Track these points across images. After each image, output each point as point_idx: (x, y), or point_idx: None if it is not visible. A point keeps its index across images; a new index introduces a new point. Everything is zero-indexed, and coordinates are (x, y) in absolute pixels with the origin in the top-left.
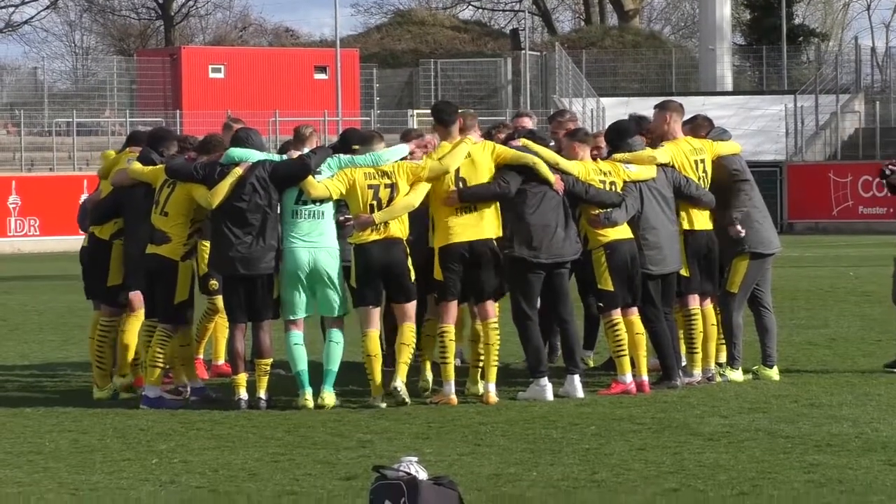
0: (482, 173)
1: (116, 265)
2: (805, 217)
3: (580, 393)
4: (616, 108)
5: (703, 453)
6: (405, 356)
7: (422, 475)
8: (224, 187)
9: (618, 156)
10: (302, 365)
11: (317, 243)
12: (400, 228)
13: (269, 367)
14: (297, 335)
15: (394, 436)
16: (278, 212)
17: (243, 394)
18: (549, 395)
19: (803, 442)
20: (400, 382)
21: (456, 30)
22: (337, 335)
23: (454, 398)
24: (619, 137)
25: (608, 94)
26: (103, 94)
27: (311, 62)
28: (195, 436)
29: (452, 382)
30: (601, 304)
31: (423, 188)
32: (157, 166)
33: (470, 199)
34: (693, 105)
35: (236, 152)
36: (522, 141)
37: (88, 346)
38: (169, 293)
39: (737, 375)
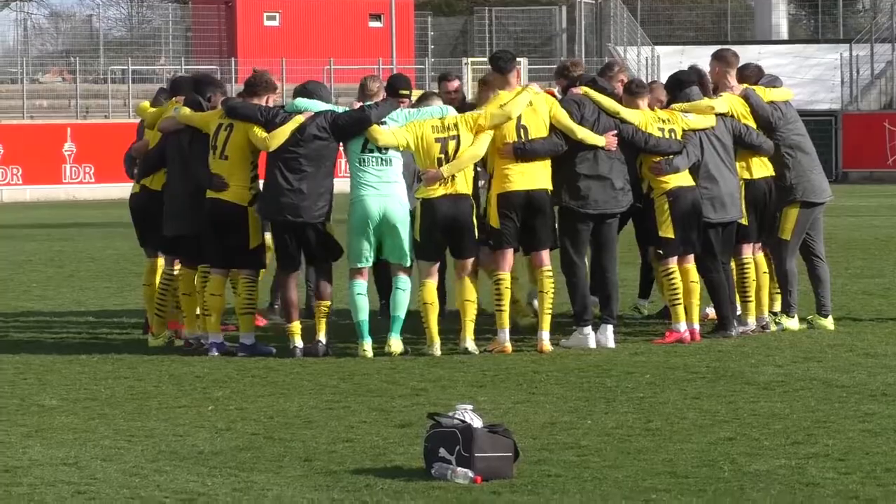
0: (542, 124)
1: None
2: (860, 166)
3: (611, 343)
4: (671, 57)
5: (757, 402)
6: (471, 313)
7: (477, 423)
8: (284, 132)
9: (676, 105)
10: (363, 315)
11: (386, 192)
12: (466, 184)
13: (328, 309)
14: (362, 284)
15: (448, 384)
16: (335, 161)
17: (298, 342)
18: (592, 343)
19: (858, 391)
20: (471, 342)
21: None
22: (404, 282)
23: (509, 346)
24: (676, 87)
25: (663, 42)
26: (158, 41)
27: (365, 10)
28: (250, 383)
29: (507, 330)
30: (660, 252)
31: (486, 137)
32: (209, 111)
33: (528, 155)
34: (748, 54)
35: (302, 102)
36: (583, 89)
37: (143, 293)
38: (243, 240)
39: (793, 324)
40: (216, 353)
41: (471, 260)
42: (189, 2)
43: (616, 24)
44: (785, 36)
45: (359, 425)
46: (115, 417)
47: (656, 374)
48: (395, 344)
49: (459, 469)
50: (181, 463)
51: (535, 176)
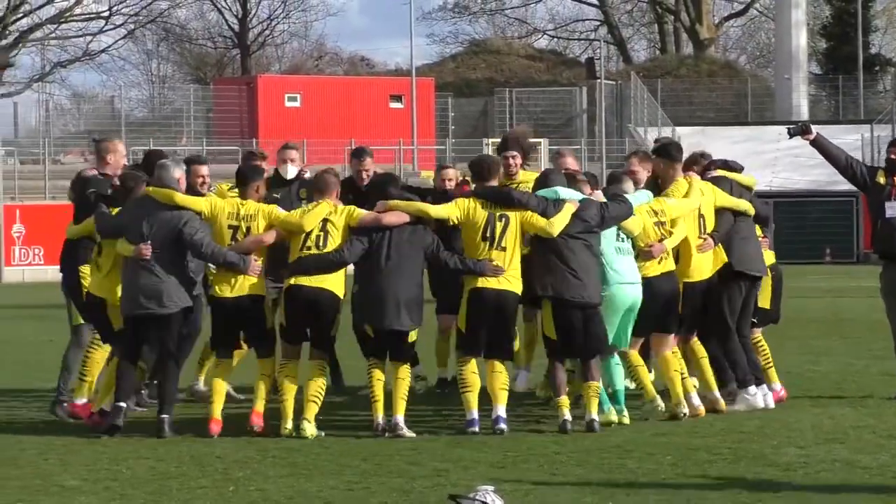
0: (712, 209)
1: None
2: None
3: (770, 403)
4: (691, 137)
5: (780, 484)
6: (678, 383)
7: None
8: (563, 219)
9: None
10: (620, 385)
11: (636, 280)
12: (673, 262)
13: (598, 388)
14: (617, 357)
15: (469, 465)
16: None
17: (566, 413)
18: (761, 403)
19: (881, 473)
20: (684, 406)
21: (531, 59)
22: (617, 358)
23: (723, 403)
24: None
25: (683, 123)
26: (180, 122)
27: (386, 91)
28: (271, 463)
29: (695, 394)
30: (755, 320)
31: (685, 224)
32: (461, 199)
33: (719, 240)
34: (769, 134)
35: (562, 191)
36: (720, 171)
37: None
38: (512, 325)
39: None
40: (476, 430)
41: (672, 336)
42: (211, 83)
43: (636, 104)
44: (805, 116)
45: None
46: (136, 498)
47: (678, 456)
48: (614, 415)
49: None
50: None
51: (711, 264)
